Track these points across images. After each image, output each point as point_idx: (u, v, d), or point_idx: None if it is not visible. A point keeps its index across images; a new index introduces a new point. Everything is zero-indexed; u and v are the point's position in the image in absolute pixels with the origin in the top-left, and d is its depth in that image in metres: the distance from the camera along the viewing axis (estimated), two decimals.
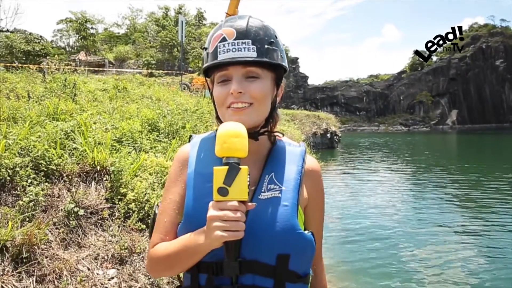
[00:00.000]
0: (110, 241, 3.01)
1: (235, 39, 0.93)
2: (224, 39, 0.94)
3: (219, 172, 0.84)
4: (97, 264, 2.79)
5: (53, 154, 3.30)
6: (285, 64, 1.02)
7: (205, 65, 0.98)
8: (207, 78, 1.05)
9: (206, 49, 0.99)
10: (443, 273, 5.44)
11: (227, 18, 1.01)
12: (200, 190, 0.98)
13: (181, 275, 1.06)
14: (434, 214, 8.89)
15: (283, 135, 1.09)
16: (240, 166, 0.84)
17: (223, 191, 0.83)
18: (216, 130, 1.08)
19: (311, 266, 1.02)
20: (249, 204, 0.86)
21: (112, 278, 2.73)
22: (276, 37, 0.99)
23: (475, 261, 5.90)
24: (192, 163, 1.03)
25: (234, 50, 0.93)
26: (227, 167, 0.84)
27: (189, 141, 1.12)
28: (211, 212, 0.84)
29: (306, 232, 0.96)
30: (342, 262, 5.85)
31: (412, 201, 10.70)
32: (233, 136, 0.86)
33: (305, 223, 1.05)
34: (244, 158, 0.87)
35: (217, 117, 1.03)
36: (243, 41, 0.93)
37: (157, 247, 0.99)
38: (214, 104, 1.03)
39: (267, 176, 0.99)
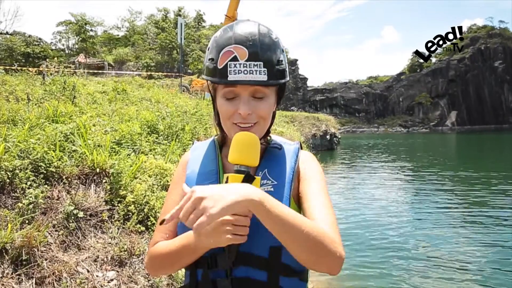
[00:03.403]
0: (110, 243, 3.01)
1: (246, 60, 0.94)
2: (235, 59, 0.94)
3: (235, 179, 0.88)
4: (96, 266, 2.79)
5: (52, 157, 3.30)
6: (288, 77, 1.04)
7: (214, 80, 0.98)
8: (209, 82, 1.06)
9: (212, 60, 0.98)
10: (444, 273, 5.44)
11: (235, 24, 0.99)
12: None
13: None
14: (435, 214, 8.88)
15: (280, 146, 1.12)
16: (254, 176, 0.89)
17: None
18: (216, 136, 1.16)
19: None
20: None
21: (112, 280, 2.73)
22: (283, 51, 1.01)
23: (477, 259, 5.90)
24: (191, 164, 1.11)
25: (246, 72, 0.93)
26: (242, 175, 0.88)
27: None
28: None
29: None
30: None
31: (412, 201, 10.70)
32: (250, 146, 0.90)
33: (303, 198, 1.00)
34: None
35: (218, 124, 1.07)
36: (255, 63, 0.94)
37: (158, 245, 1.03)
38: (214, 109, 1.07)
39: (260, 172, 1.02)
